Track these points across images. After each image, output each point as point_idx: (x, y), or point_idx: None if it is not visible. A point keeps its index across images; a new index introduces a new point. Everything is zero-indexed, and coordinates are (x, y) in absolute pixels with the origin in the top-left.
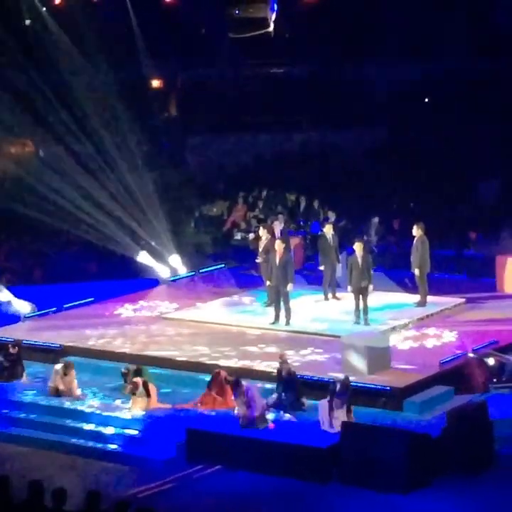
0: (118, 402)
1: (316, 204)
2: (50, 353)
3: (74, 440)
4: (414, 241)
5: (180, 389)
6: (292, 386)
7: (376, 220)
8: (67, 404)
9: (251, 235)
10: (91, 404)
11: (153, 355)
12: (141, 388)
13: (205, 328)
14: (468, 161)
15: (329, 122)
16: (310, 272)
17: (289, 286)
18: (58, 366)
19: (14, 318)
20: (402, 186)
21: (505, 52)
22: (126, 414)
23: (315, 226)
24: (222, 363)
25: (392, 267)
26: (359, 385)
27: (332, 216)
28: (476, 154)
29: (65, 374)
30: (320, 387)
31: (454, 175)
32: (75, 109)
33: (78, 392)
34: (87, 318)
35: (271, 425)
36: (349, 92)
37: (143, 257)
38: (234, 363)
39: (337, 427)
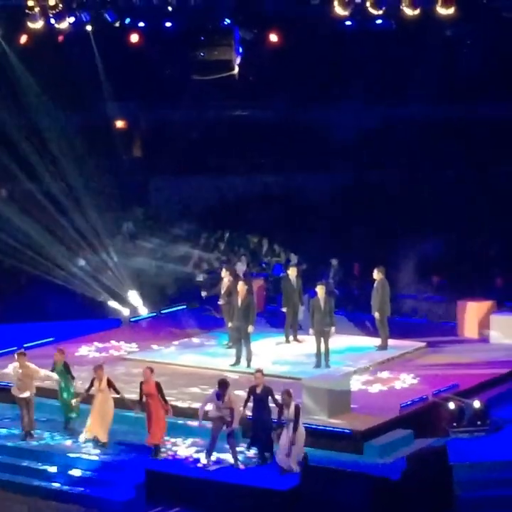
0: (74, 442)
1: (277, 247)
2: (8, 392)
3: (33, 481)
4: (375, 284)
5: (137, 429)
6: (267, 404)
7: (335, 261)
8: (24, 444)
9: (203, 277)
10: (49, 444)
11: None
12: (104, 383)
13: (166, 369)
14: (430, 207)
15: (293, 165)
16: (272, 315)
17: (250, 328)
18: (13, 365)
19: None
20: (365, 230)
21: (467, 99)
22: (85, 455)
23: (277, 268)
24: (178, 404)
25: (353, 310)
26: (320, 427)
27: (294, 259)
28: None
29: (22, 366)
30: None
31: (416, 221)
32: (38, 148)
33: (42, 372)
34: (46, 358)
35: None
36: (313, 136)
37: (105, 298)
38: (187, 404)
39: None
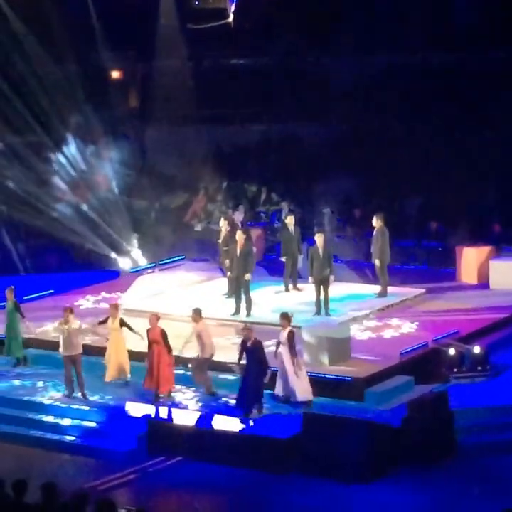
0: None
1: (275, 195)
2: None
3: (33, 432)
4: (374, 232)
5: (136, 379)
6: (256, 357)
7: (328, 210)
8: (31, 396)
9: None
10: (51, 396)
11: None
12: (117, 322)
13: (165, 319)
14: (428, 152)
15: (290, 114)
16: (271, 263)
17: (247, 276)
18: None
19: None
20: (364, 177)
21: (460, 47)
22: (88, 407)
23: (274, 217)
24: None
25: (352, 258)
26: (320, 375)
27: (286, 207)
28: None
29: (66, 323)
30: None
31: (415, 165)
32: (33, 100)
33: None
34: (46, 310)
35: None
36: (309, 84)
37: (103, 249)
38: (194, 354)
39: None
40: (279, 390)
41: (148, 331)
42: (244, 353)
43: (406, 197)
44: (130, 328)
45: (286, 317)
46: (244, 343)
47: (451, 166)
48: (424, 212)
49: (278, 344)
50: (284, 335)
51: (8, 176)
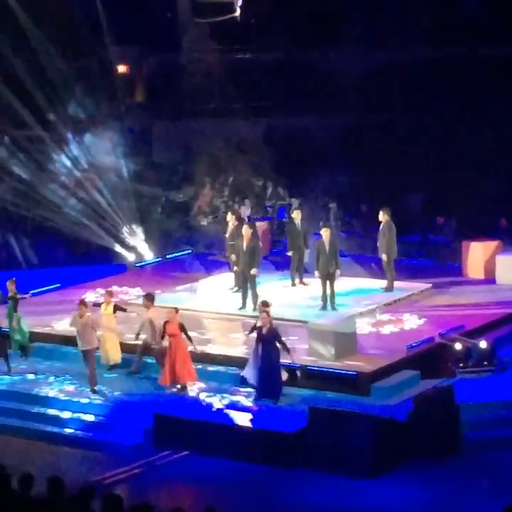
0: (78, 387)
1: (281, 190)
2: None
3: (40, 426)
4: (381, 226)
5: (148, 374)
6: (275, 344)
7: (334, 205)
8: (36, 390)
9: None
10: (58, 389)
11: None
12: (110, 308)
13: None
14: (435, 148)
15: (295, 107)
16: (277, 258)
17: (253, 271)
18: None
19: None
20: (369, 172)
21: (466, 40)
22: (94, 400)
23: (282, 212)
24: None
25: (359, 252)
26: (326, 370)
27: (295, 202)
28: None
29: (81, 316)
30: (288, 373)
31: (420, 161)
32: (40, 94)
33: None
34: (53, 304)
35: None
36: (315, 79)
37: (110, 243)
38: (199, 349)
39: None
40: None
41: (165, 323)
42: (258, 340)
43: (410, 192)
44: (123, 310)
45: (266, 305)
46: (259, 330)
47: (458, 160)
48: (428, 207)
49: (254, 329)
50: (263, 322)
51: (14, 170)
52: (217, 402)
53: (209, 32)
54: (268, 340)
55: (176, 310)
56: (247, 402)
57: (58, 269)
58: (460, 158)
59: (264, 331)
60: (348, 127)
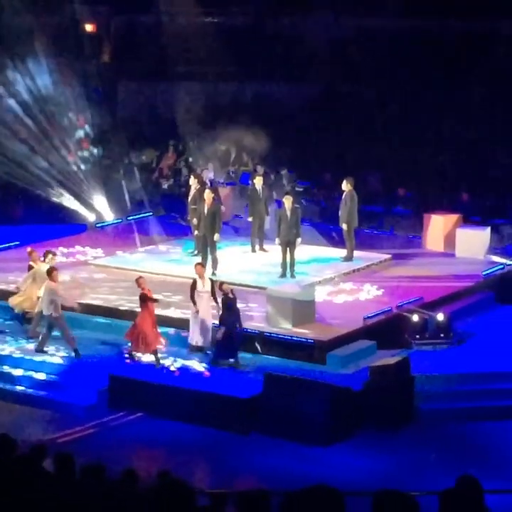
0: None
1: (245, 156)
2: None
3: None
4: (343, 195)
5: (97, 334)
6: (236, 308)
7: (284, 171)
8: None
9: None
10: (10, 348)
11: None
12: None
13: (129, 275)
14: (401, 117)
15: (262, 74)
16: (238, 223)
17: (216, 236)
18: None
19: None
20: (335, 140)
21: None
22: (50, 359)
23: (244, 177)
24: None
25: (320, 221)
26: (283, 337)
27: (260, 169)
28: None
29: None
30: (246, 339)
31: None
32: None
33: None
34: (11, 262)
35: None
36: (284, 45)
37: (70, 203)
38: (156, 311)
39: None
40: (197, 338)
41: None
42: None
43: (372, 166)
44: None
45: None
46: (226, 295)
47: (421, 132)
48: (389, 181)
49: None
50: (206, 283)
51: None
52: (173, 365)
53: None
54: (234, 304)
55: (141, 278)
56: (202, 367)
57: (17, 227)
58: (424, 129)
59: (231, 295)
60: (316, 94)
